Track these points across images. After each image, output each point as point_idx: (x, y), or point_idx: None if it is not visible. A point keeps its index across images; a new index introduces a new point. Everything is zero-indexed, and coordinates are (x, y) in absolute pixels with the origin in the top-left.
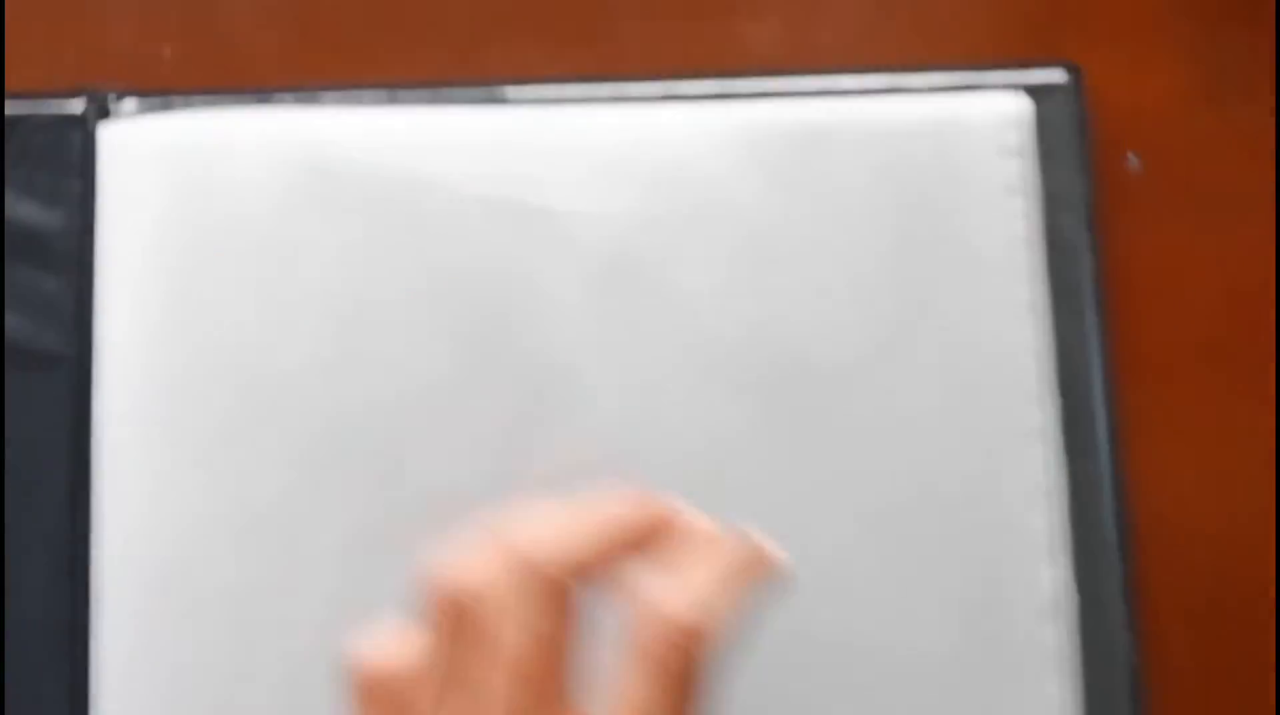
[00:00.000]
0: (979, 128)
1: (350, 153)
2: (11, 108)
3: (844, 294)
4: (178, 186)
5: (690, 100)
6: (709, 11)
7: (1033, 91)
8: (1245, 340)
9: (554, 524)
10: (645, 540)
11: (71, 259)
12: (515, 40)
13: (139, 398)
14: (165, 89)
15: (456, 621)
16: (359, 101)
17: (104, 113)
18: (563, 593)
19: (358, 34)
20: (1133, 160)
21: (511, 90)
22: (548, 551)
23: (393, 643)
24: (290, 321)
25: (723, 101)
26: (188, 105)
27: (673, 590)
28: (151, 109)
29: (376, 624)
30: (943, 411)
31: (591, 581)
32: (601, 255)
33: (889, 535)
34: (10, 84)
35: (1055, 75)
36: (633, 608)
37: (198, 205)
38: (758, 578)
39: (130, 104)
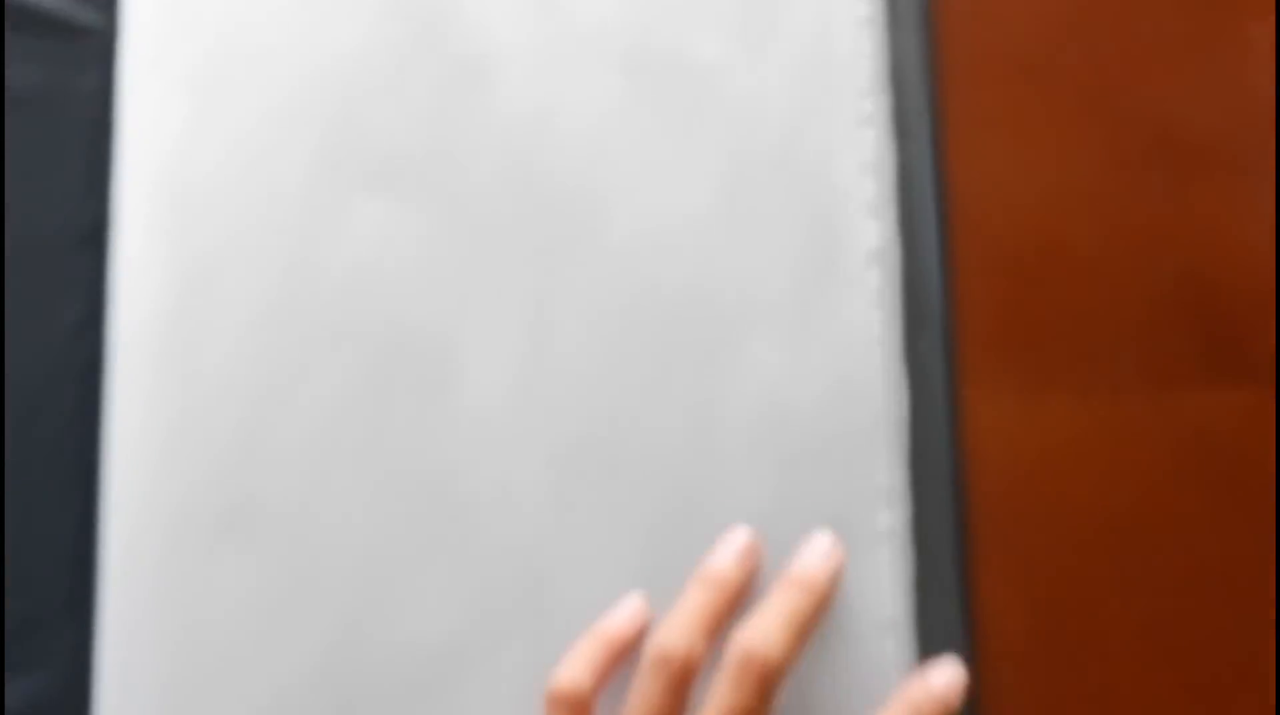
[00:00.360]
0: None
1: None
2: None
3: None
4: None
5: None
6: None
7: None
8: (1054, 55)
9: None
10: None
11: None
12: None
13: None
14: None
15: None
16: None
17: None
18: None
19: None
20: None
21: None
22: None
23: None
24: None
25: None
26: None
27: (759, 628)
28: None
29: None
30: (790, 100)
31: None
32: None
33: (740, 198)
34: None
35: None
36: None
37: None
38: (818, 617)
39: None
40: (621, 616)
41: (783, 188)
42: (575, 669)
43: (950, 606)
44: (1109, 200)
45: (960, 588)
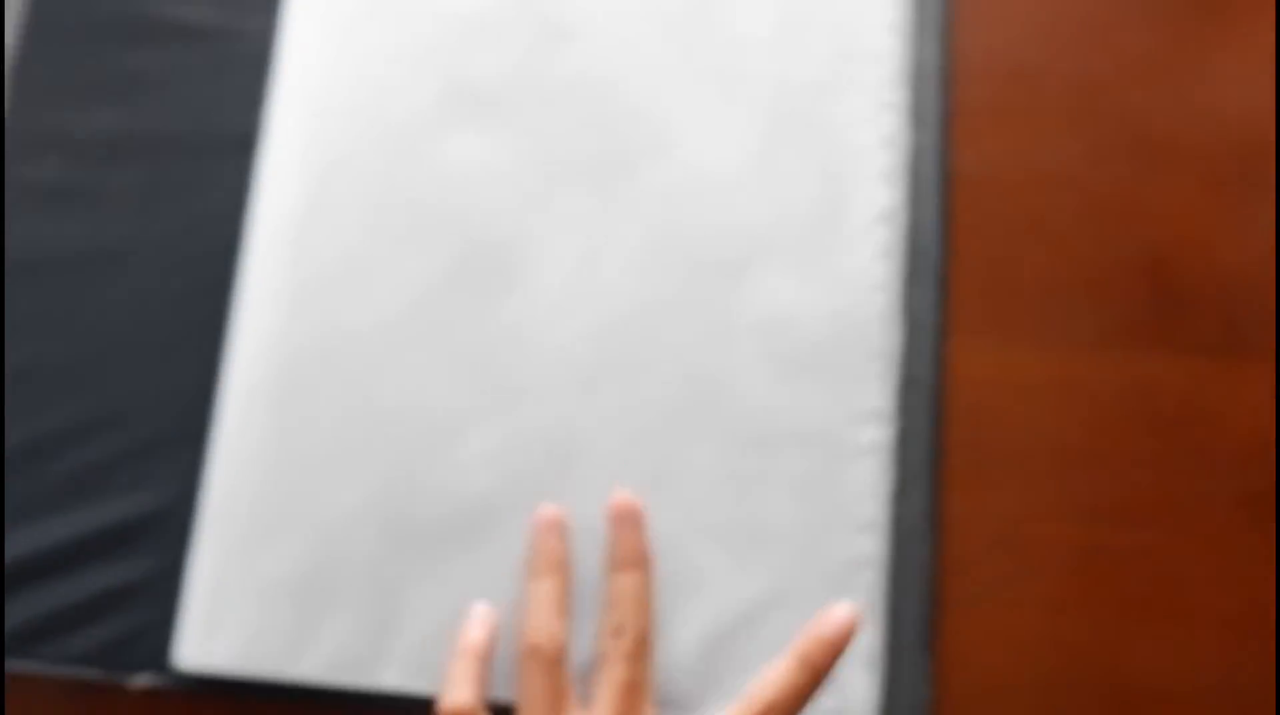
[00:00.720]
0: None
1: None
2: None
3: None
4: None
5: None
6: None
7: None
8: (1049, 63)
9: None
10: None
11: None
12: None
13: None
14: None
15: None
16: None
17: None
18: None
19: None
20: None
21: None
22: None
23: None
24: None
25: None
26: None
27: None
28: None
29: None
30: (823, 80)
31: None
32: None
33: (773, 154)
34: None
35: None
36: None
37: None
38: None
39: None
40: (476, 628)
41: (811, 149)
42: (459, 690)
43: (921, 515)
44: (1084, 185)
45: (930, 499)
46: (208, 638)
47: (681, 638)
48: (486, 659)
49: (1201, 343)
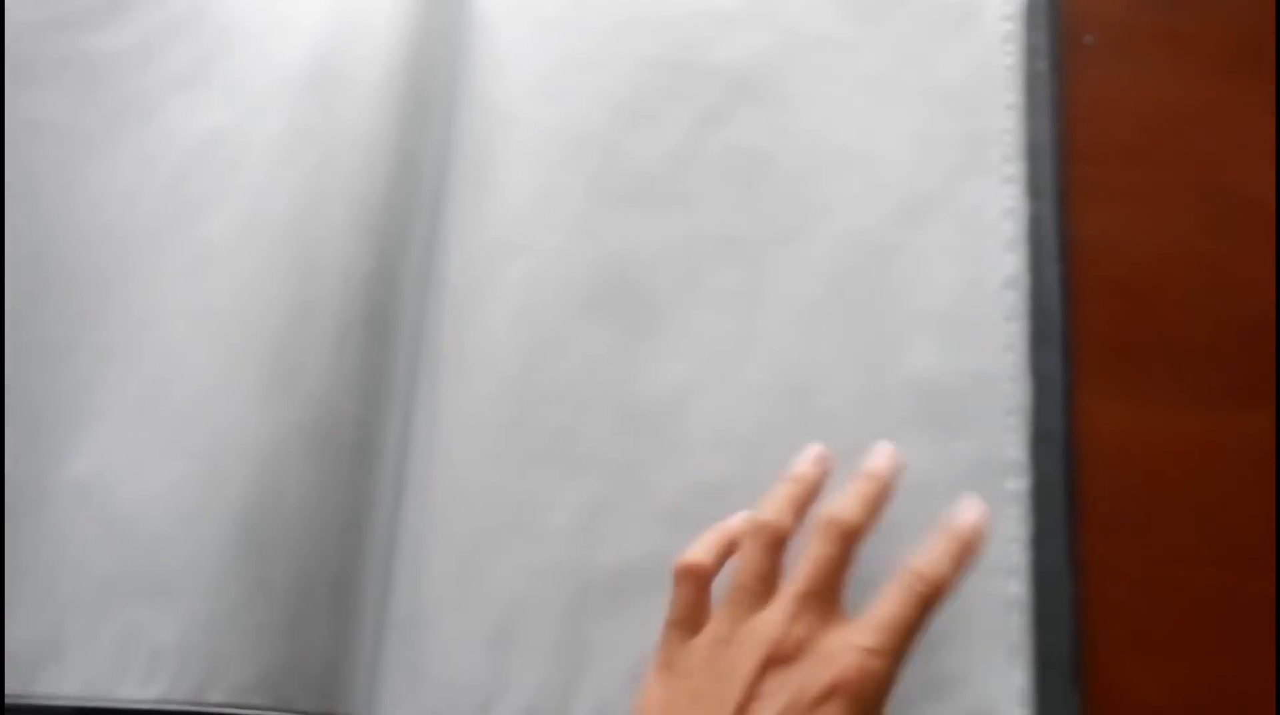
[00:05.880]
0: None
1: None
2: None
3: None
4: None
5: None
6: None
7: None
8: (1158, 140)
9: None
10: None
11: None
12: None
13: None
14: None
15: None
16: None
17: None
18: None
19: None
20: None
21: None
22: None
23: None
24: None
25: None
26: None
27: (838, 501)
28: None
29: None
30: (952, 164)
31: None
32: None
33: (912, 228)
34: None
35: None
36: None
37: None
38: (885, 497)
39: None
40: (736, 519)
41: (945, 224)
42: (700, 549)
43: (1062, 560)
44: (1200, 253)
45: (1070, 545)
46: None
47: None
48: (736, 542)
49: None
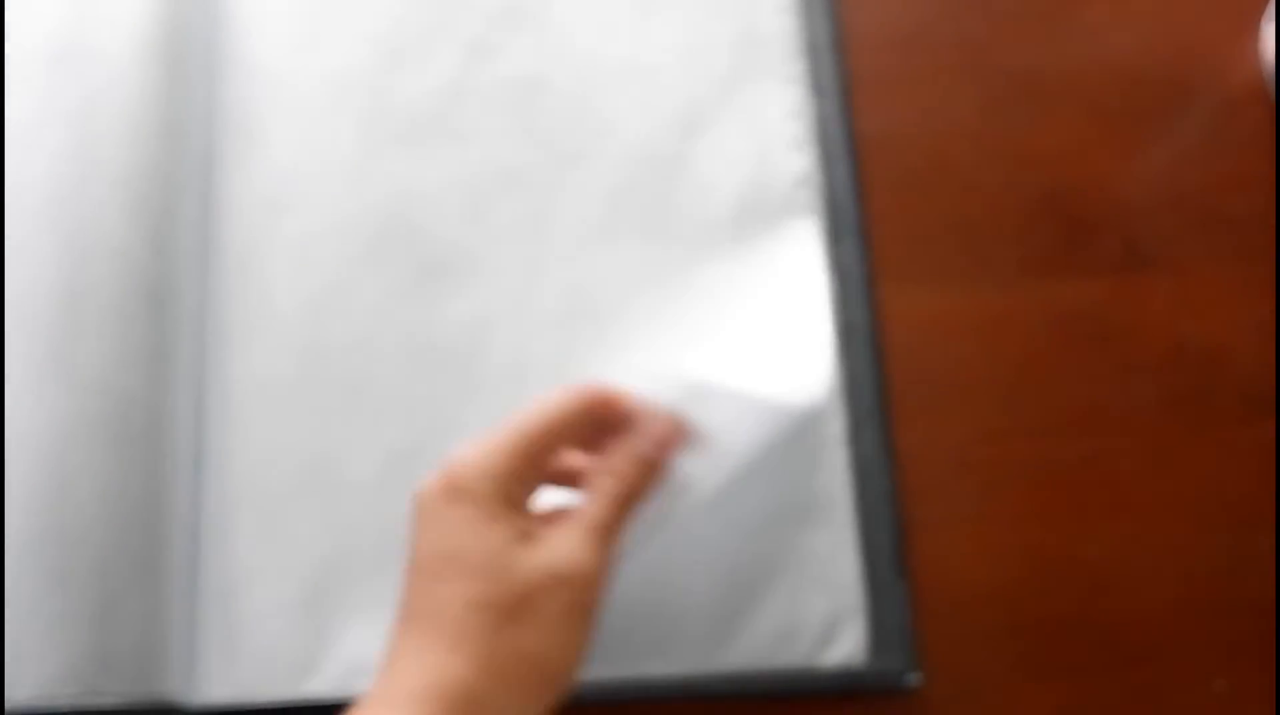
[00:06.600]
0: None
1: None
2: None
3: None
4: None
5: None
6: None
7: None
8: (933, 26)
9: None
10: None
11: None
12: None
13: None
14: None
15: None
16: None
17: None
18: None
19: None
20: None
21: None
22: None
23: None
24: None
25: None
26: None
27: (622, 451)
28: None
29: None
30: (731, 64)
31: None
32: None
33: (695, 136)
34: None
35: None
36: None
37: None
38: (677, 450)
39: None
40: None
41: (729, 129)
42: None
43: (877, 450)
44: (983, 133)
45: (884, 435)
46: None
47: None
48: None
49: (1108, 264)
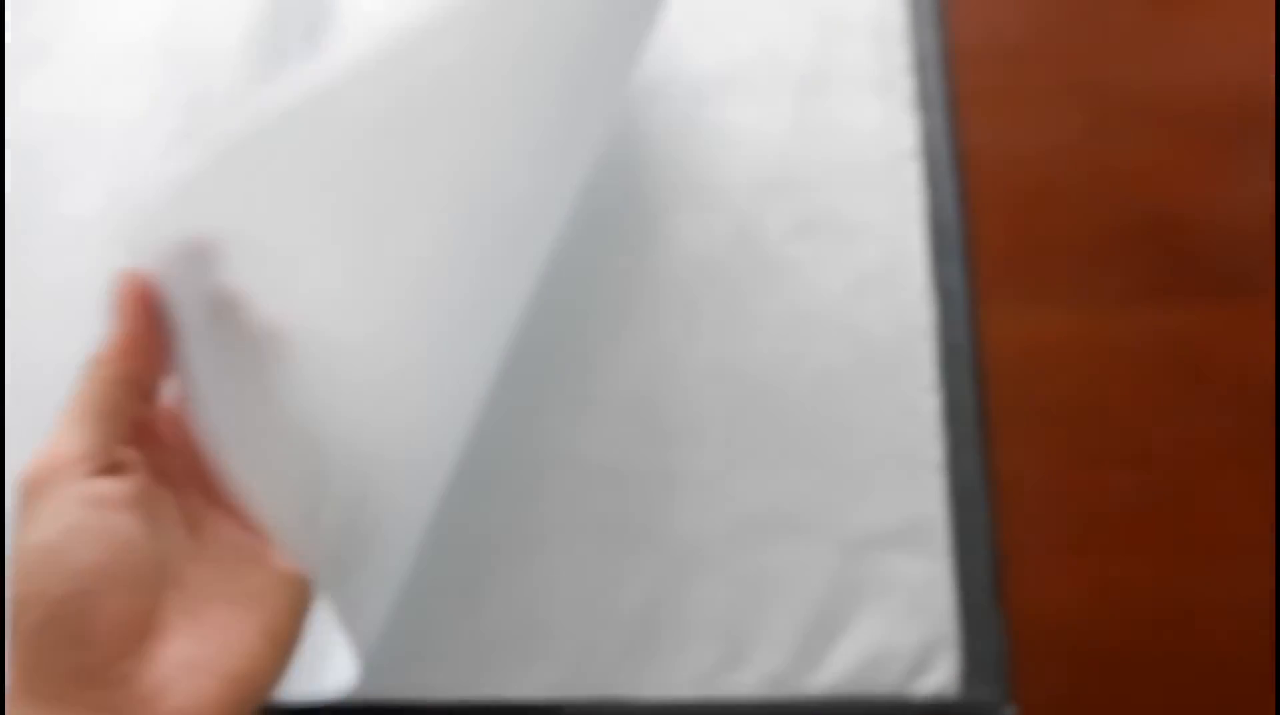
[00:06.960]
0: None
1: None
2: None
3: None
4: None
5: None
6: None
7: None
8: (1042, 44)
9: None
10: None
11: None
12: None
13: None
14: None
15: None
16: None
17: None
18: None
19: None
20: None
21: None
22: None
23: None
24: None
25: None
26: None
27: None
28: None
29: None
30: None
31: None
32: None
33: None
34: None
35: None
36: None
37: None
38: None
39: None
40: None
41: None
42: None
43: (976, 477)
44: (1089, 152)
45: (983, 461)
46: None
47: None
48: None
49: (1214, 291)
